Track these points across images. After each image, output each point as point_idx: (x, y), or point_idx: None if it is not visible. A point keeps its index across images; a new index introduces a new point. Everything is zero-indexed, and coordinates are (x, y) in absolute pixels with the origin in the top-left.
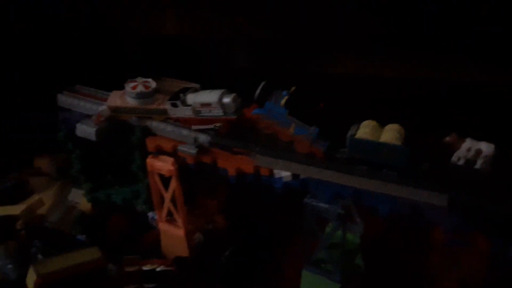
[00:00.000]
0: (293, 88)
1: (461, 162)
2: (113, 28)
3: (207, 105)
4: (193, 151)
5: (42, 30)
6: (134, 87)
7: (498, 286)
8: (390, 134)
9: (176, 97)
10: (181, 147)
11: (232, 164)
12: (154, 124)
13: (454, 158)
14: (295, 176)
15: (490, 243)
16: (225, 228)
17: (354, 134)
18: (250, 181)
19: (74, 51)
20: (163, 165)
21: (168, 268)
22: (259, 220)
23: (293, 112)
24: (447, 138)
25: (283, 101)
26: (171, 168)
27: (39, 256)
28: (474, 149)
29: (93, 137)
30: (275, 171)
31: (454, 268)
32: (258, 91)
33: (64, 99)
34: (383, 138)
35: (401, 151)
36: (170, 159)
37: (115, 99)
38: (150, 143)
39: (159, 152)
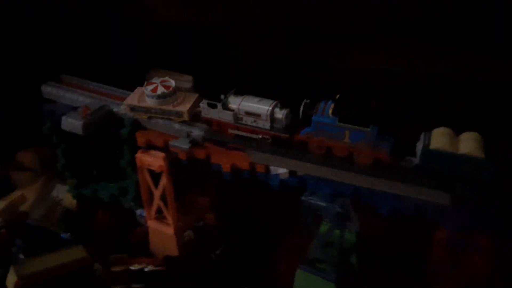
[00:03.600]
0: (338, 96)
1: None
2: (104, 14)
3: (255, 115)
4: (186, 146)
5: (22, 16)
6: (154, 90)
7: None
8: (469, 144)
9: (214, 97)
10: (173, 142)
11: (226, 160)
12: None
13: None
14: (292, 173)
15: (494, 243)
16: (216, 226)
17: (428, 144)
18: (245, 177)
19: (60, 38)
20: (154, 160)
21: (157, 268)
22: (253, 217)
23: (343, 119)
24: None
25: (330, 110)
26: (162, 163)
27: (21, 256)
28: None
29: (79, 131)
30: (272, 168)
31: (455, 268)
32: (301, 111)
33: (49, 90)
34: (463, 149)
35: (485, 165)
36: (161, 154)
37: (134, 97)
38: (140, 137)
39: (150, 147)
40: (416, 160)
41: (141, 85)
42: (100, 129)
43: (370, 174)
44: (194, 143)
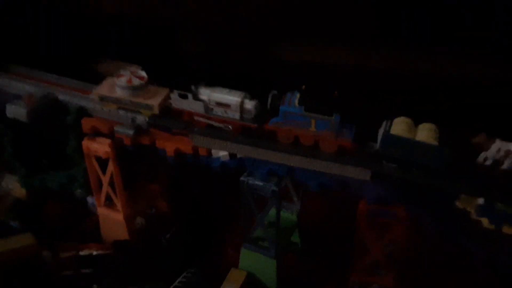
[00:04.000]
0: (303, 86)
1: (488, 163)
2: (54, 5)
3: (225, 105)
4: (130, 131)
5: None
6: (127, 81)
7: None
8: (426, 133)
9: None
10: (118, 128)
11: (170, 144)
12: (90, 105)
13: (480, 159)
14: (232, 155)
15: (410, 213)
16: (168, 212)
17: (389, 130)
18: (189, 161)
19: (7, 28)
20: (100, 147)
21: (105, 252)
22: (201, 200)
23: (309, 108)
24: (476, 139)
25: (296, 100)
26: (108, 150)
27: None
28: (503, 149)
29: (24, 118)
30: (213, 151)
31: (380, 238)
32: (269, 102)
33: None
34: (419, 137)
35: (438, 152)
36: (107, 141)
37: (104, 87)
38: (86, 124)
39: (96, 133)
40: (377, 145)
41: (92, 76)
42: (46, 117)
43: (301, 154)
44: (138, 129)
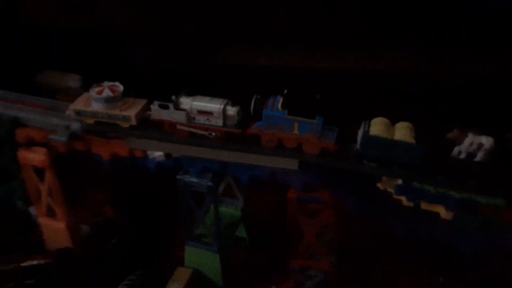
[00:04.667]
0: (286, 90)
1: (462, 156)
2: None
3: (208, 113)
4: (64, 138)
5: None
6: (99, 92)
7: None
8: (403, 132)
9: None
10: (52, 136)
11: (106, 149)
12: (22, 114)
13: (454, 153)
14: (167, 155)
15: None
16: (114, 218)
17: (368, 131)
18: (126, 164)
19: None
20: (36, 156)
21: (47, 261)
22: (144, 202)
23: (292, 112)
24: (450, 134)
25: (279, 104)
26: (44, 158)
27: None
28: (476, 143)
29: None
30: (149, 152)
31: (312, 224)
32: (252, 106)
33: None
34: (398, 136)
35: (416, 149)
36: (43, 150)
37: (80, 102)
38: (20, 134)
39: (31, 143)
40: (357, 146)
41: (29, 87)
42: None
43: (232, 149)
44: (73, 135)
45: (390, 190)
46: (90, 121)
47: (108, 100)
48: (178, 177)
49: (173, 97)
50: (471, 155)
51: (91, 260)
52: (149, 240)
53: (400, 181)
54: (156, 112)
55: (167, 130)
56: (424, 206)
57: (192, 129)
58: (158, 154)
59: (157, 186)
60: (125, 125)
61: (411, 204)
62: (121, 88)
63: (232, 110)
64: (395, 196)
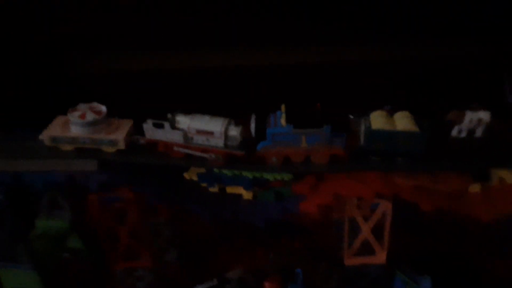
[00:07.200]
0: (283, 105)
1: (463, 134)
2: None
3: (208, 133)
4: None
5: None
6: (82, 116)
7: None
8: (405, 121)
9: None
10: None
11: None
12: None
13: (454, 132)
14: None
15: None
16: None
17: (370, 126)
18: None
19: None
20: None
21: None
22: None
23: (298, 125)
24: (449, 115)
25: (282, 120)
26: None
27: None
28: (475, 119)
29: None
30: None
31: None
32: (253, 127)
33: None
34: (400, 127)
35: (420, 137)
36: None
37: (56, 127)
38: None
39: None
40: (361, 142)
41: None
42: None
43: (24, 157)
44: None
45: (195, 178)
46: (69, 147)
47: (93, 123)
48: None
49: (169, 115)
50: (471, 132)
51: None
52: None
53: (203, 170)
54: (150, 131)
55: (161, 152)
56: (229, 190)
57: (190, 151)
58: None
59: None
60: (112, 150)
61: (216, 189)
62: (103, 108)
63: (234, 130)
64: (202, 184)
